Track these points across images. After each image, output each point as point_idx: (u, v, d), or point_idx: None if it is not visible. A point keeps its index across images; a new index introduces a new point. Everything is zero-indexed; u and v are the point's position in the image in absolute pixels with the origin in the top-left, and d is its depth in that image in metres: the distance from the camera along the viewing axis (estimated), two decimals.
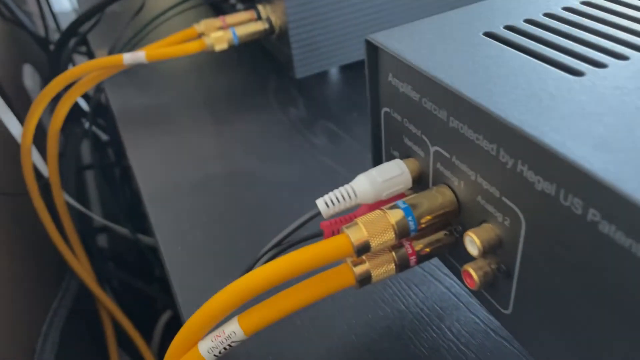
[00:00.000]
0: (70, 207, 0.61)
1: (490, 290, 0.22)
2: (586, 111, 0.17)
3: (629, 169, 0.15)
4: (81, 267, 0.57)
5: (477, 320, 0.27)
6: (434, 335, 0.26)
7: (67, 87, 0.50)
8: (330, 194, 0.24)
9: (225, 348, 0.22)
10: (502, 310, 0.22)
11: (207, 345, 0.22)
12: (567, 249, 0.17)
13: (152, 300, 0.71)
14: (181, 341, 0.23)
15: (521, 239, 0.19)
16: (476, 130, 0.20)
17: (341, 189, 0.24)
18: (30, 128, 0.50)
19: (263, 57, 0.56)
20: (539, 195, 0.17)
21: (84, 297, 0.59)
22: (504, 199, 0.19)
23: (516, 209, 0.19)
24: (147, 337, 0.61)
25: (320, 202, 0.24)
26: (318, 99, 0.48)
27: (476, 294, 0.23)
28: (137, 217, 0.70)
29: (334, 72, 0.52)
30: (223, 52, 0.47)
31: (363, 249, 0.21)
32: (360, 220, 0.22)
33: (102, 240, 0.88)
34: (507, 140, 0.18)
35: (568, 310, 0.18)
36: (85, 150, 0.87)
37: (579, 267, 0.17)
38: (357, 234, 0.21)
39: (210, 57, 0.57)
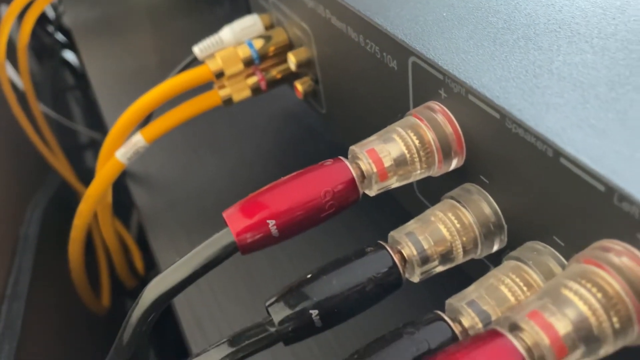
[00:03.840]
0: (49, 119, 0.70)
1: (313, 98, 0.31)
2: None
3: None
4: (60, 164, 0.66)
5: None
6: (302, 152, 0.36)
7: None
8: (202, 42, 0.33)
9: (133, 153, 0.32)
10: (321, 111, 0.31)
11: (121, 152, 0.32)
12: (330, 48, 0.26)
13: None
14: (105, 152, 0.33)
15: (314, 50, 0.28)
16: None
17: (210, 37, 0.33)
18: (1, 43, 0.59)
19: None
20: (311, 12, 0.26)
21: (65, 194, 0.69)
22: (302, 23, 0.28)
23: (307, 28, 0.28)
24: (127, 225, 0.71)
25: (195, 49, 0.33)
26: None
27: (307, 102, 0.33)
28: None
29: None
30: None
31: (220, 75, 0.31)
32: (218, 54, 0.31)
33: (90, 161, 0.98)
34: None
35: (355, 105, 0.27)
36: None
37: (340, 60, 0.26)
38: (214, 64, 0.30)
39: None
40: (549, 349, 0.12)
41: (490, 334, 0.13)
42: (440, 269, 0.18)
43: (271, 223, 0.17)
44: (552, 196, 0.15)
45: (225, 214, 0.18)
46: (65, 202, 0.68)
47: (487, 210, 0.19)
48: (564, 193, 0.15)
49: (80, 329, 0.49)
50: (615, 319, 0.13)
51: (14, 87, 0.65)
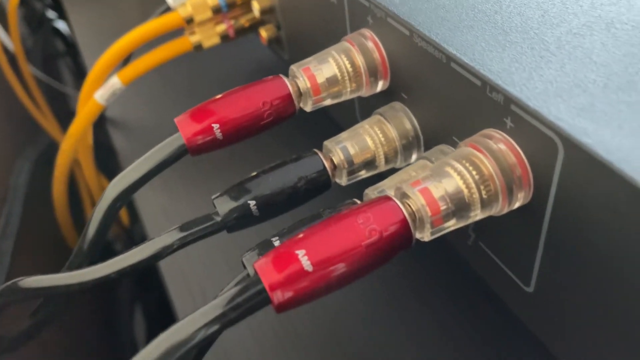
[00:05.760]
0: (39, 82, 0.72)
1: (277, 44, 0.34)
2: None
3: None
4: (49, 124, 0.69)
5: None
6: None
7: None
8: None
9: (111, 94, 0.34)
10: (285, 57, 0.34)
11: (99, 93, 0.34)
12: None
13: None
14: (84, 94, 0.35)
15: None
16: None
17: None
18: None
19: None
20: None
21: (54, 152, 0.71)
22: None
23: None
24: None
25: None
26: None
27: (272, 49, 0.35)
28: None
29: None
30: None
31: (190, 21, 0.33)
32: (188, 1, 0.33)
33: None
34: None
35: (311, 48, 0.30)
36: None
37: (295, 3, 0.28)
38: (184, 10, 0.33)
39: None
40: (424, 206, 0.15)
41: (382, 199, 0.16)
42: (364, 174, 0.21)
43: (216, 127, 0.20)
44: (449, 100, 0.18)
45: (176, 120, 0.20)
46: (53, 159, 0.71)
47: (407, 125, 0.21)
48: (456, 94, 0.18)
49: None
50: (484, 193, 0.16)
51: (5, 49, 0.67)
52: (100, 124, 0.43)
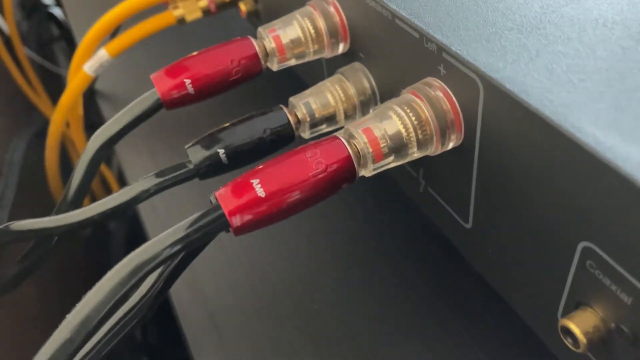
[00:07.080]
0: (34, 63, 0.74)
1: (256, 17, 0.36)
2: None
3: None
4: (44, 104, 0.71)
5: None
6: None
7: None
8: None
9: (99, 66, 0.36)
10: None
11: (88, 64, 0.36)
12: None
13: None
14: (74, 66, 0.37)
15: None
16: None
17: None
18: None
19: None
20: None
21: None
22: None
23: None
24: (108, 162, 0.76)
25: None
26: None
27: (251, 23, 0.37)
28: None
29: None
30: None
31: None
32: None
33: None
34: None
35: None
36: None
37: None
38: None
39: None
40: (366, 143, 0.17)
41: (330, 138, 0.18)
42: (325, 128, 0.23)
43: (187, 82, 0.22)
44: (396, 55, 0.20)
45: (152, 76, 0.22)
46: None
47: (365, 83, 0.23)
48: (401, 49, 0.20)
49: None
50: (420, 135, 0.18)
51: (0, 31, 0.69)
52: (91, 103, 0.45)
